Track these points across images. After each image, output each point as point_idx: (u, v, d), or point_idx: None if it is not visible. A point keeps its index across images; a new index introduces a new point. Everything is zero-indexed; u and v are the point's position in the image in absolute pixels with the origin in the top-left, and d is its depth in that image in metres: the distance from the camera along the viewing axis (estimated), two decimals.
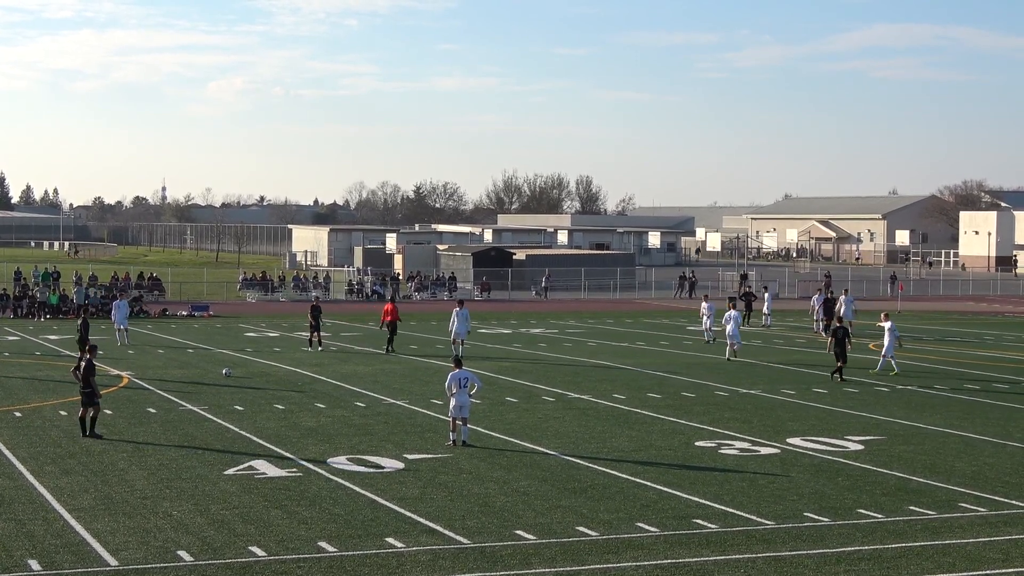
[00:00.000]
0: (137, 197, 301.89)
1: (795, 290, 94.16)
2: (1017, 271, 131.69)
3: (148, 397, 35.58)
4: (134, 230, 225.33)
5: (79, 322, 41.68)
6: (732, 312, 47.77)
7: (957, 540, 19.91)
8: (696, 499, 22.67)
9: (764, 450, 27.79)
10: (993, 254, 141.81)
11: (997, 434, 30.19)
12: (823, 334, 55.22)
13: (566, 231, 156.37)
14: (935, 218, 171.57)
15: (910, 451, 27.74)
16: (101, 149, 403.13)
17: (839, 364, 40.28)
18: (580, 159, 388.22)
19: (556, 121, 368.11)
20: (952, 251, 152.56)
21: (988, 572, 18.16)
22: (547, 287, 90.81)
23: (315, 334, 50.16)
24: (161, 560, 18.41)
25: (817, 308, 59.16)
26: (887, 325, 42.74)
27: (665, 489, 23.53)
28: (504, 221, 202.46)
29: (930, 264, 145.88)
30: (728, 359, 46.38)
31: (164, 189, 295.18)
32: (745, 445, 28.37)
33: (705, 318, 54.68)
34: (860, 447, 28.19)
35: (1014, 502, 22.70)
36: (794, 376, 41.78)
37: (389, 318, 48.87)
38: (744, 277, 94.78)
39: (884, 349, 42.79)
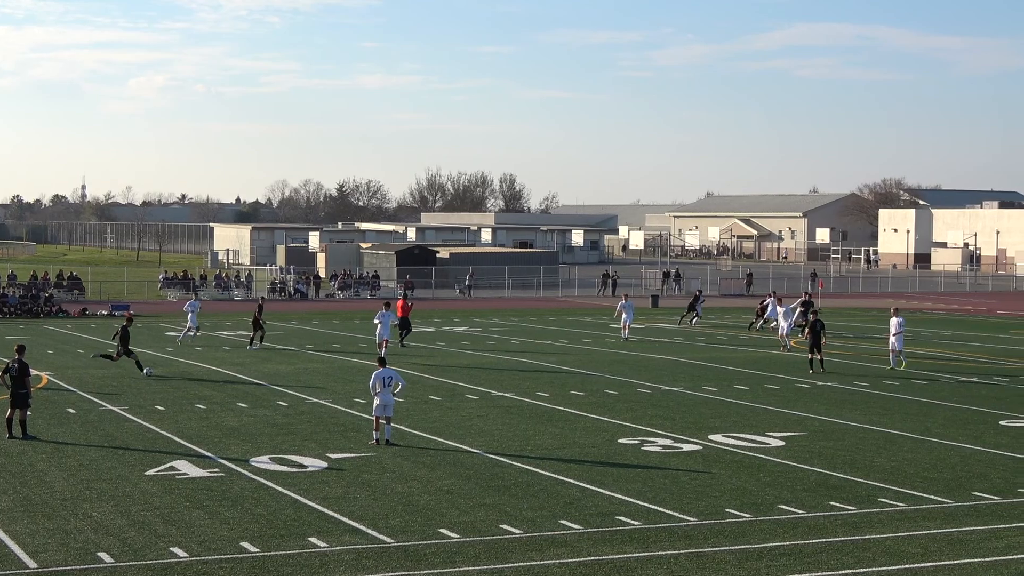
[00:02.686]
0: (56, 195, 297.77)
1: (717, 287, 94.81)
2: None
3: (68, 397, 35.18)
4: (53, 229, 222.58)
5: (119, 327, 40.37)
6: (781, 308, 52.15)
7: (877, 535, 20.13)
8: (619, 496, 22.76)
9: (686, 447, 27.95)
10: (911, 251, 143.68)
11: (916, 430, 30.57)
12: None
13: (490, 229, 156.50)
14: (855, 216, 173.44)
15: (830, 447, 28.02)
16: (19, 147, 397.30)
17: (817, 356, 42.10)
18: (504, 157, 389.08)
19: (479, 119, 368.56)
20: (872, 248, 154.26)
21: (907, 566, 18.37)
22: (471, 285, 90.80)
23: (257, 332, 50.64)
24: (81, 562, 18.22)
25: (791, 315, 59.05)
26: (896, 320, 43.63)
27: (588, 486, 23.60)
28: (428, 219, 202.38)
29: (877, 263, 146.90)
30: (786, 350, 49.46)
31: (84, 187, 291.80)
32: (667, 442, 28.53)
33: (623, 315, 54.85)
34: (781, 443, 28.44)
35: (932, 497, 22.99)
36: (716, 373, 42.07)
37: (401, 313, 50.64)
38: (676, 275, 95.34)
39: (894, 343, 43.66)
